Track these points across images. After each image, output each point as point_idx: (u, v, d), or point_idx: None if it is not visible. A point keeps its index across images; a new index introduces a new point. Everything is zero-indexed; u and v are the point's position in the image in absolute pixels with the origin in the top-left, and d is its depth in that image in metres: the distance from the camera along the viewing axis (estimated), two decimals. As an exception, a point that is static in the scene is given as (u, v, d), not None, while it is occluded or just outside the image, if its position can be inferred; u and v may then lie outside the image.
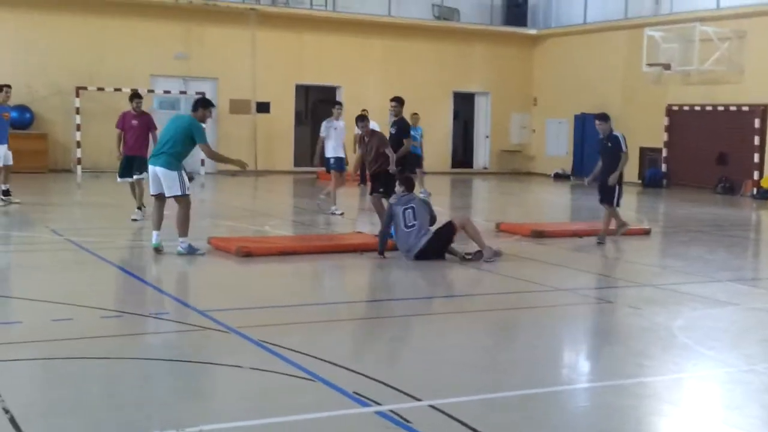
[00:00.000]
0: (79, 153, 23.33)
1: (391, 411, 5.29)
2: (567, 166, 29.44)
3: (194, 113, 10.97)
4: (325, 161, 16.97)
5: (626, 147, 13.33)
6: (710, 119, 24.92)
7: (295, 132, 28.30)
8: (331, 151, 16.77)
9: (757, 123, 23.55)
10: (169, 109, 25.14)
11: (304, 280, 10.37)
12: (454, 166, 30.69)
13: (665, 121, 26.18)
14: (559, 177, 29.20)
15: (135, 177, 14.14)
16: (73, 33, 24.62)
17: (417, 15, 29.18)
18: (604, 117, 13.65)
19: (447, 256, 11.22)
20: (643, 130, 25.86)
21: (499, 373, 6.49)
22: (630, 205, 17.89)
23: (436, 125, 27.73)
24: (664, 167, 26.29)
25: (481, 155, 31.54)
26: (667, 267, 11.90)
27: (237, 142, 26.19)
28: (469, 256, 11.13)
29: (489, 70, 30.52)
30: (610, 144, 13.33)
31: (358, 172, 19.56)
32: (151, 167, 10.95)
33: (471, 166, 31.45)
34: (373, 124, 14.24)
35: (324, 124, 17.09)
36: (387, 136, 14.03)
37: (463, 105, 31.27)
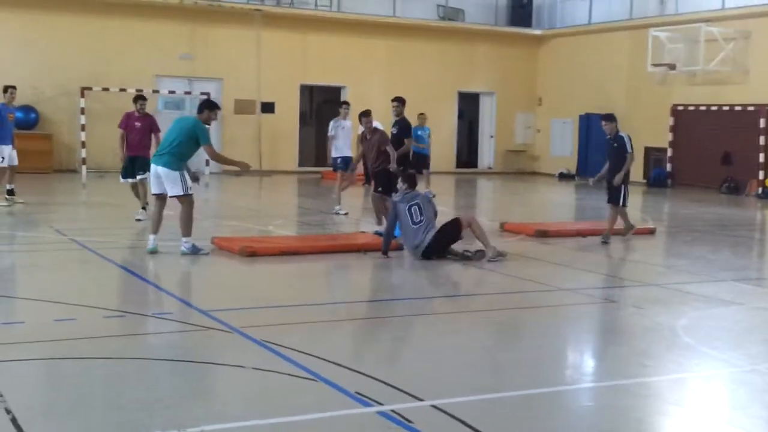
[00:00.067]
0: (83, 153, 23.36)
1: (393, 411, 5.28)
2: (572, 166, 29.42)
3: (199, 115, 11.01)
4: (332, 161, 16.98)
5: (632, 148, 13.32)
6: (715, 119, 24.88)
7: (300, 132, 28.32)
8: (338, 150, 16.79)
9: (762, 123, 23.52)
10: (174, 110, 25.19)
11: (308, 280, 10.35)
12: (458, 166, 30.70)
13: (670, 120, 26.14)
14: (563, 177, 29.18)
15: (138, 177, 14.16)
16: (79, 34, 24.67)
17: (421, 15, 29.18)
18: (610, 117, 13.64)
19: (448, 256, 11.21)
20: (648, 130, 25.82)
21: (502, 373, 6.49)
22: (635, 205, 17.86)
23: (440, 125, 27.70)
24: (669, 167, 26.25)
25: (486, 155, 31.53)
26: (671, 266, 11.88)
27: (242, 142, 26.26)
28: (469, 254, 11.12)
29: (494, 71, 30.51)
30: (616, 144, 13.33)
31: (363, 173, 19.57)
32: (153, 166, 10.97)
33: (476, 166, 31.45)
34: (377, 124, 14.25)
35: (331, 123, 17.13)
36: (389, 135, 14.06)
37: (468, 105, 31.27)
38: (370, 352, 7.18)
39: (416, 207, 11.16)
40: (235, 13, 26.48)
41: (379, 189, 13.23)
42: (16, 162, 16.12)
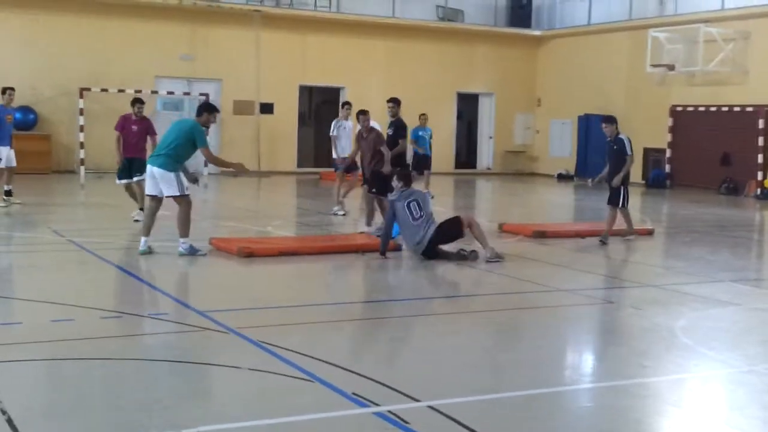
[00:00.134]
0: (82, 154, 23.34)
1: (390, 412, 5.27)
2: (571, 166, 29.41)
3: (198, 118, 11.01)
4: (333, 162, 16.99)
5: (631, 150, 13.35)
6: (714, 120, 24.88)
7: (299, 133, 28.31)
8: (342, 150, 16.80)
9: (761, 124, 23.52)
10: (173, 111, 25.21)
11: (305, 281, 10.34)
12: (457, 166, 30.70)
13: (669, 121, 26.14)
14: (562, 178, 29.17)
15: (135, 178, 14.16)
16: (78, 34, 24.67)
17: (420, 16, 29.18)
18: (609, 119, 13.67)
19: (443, 257, 11.21)
20: (647, 131, 25.82)
21: (500, 373, 6.48)
22: (634, 206, 17.78)
23: (439, 126, 27.66)
24: (667, 168, 26.25)
25: (485, 156, 31.53)
26: (670, 267, 11.87)
27: (241, 143, 26.26)
28: (465, 253, 11.12)
29: (493, 71, 30.51)
30: (616, 147, 13.35)
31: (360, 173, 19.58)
32: (149, 167, 10.98)
33: (474, 167, 31.44)
34: (375, 124, 14.28)
35: (333, 123, 17.15)
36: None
37: (467, 106, 31.27)
38: (367, 352, 7.18)
39: (415, 203, 11.17)
40: (234, 14, 26.47)
41: (374, 190, 13.27)
42: (14, 163, 16.12)
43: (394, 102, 14.42)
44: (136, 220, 13.84)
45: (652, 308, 8.68)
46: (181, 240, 10.89)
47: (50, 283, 9.43)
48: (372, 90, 27.34)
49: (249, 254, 10.87)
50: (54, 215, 15.58)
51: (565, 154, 29.96)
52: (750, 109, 23.85)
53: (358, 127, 14.13)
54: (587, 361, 7.18)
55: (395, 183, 11.57)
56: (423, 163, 20.06)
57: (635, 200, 20.33)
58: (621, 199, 13.28)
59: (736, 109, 24.20)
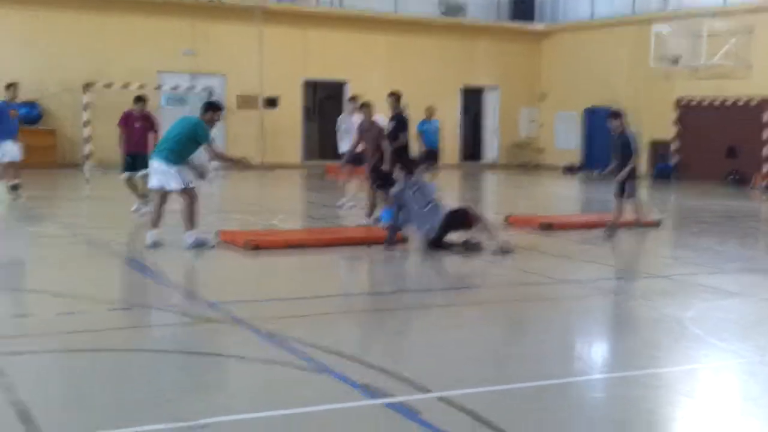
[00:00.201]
0: (87, 149, 23.29)
1: (400, 402, 5.23)
2: (576, 159, 29.36)
3: (203, 116, 11.00)
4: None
5: (637, 146, 13.25)
6: (719, 113, 24.84)
7: (304, 127, 28.29)
8: (346, 145, 16.76)
9: (765, 116, 23.53)
10: (177, 105, 25.20)
11: (312, 273, 10.30)
12: (463, 159, 30.66)
13: (674, 114, 26.09)
14: (568, 170, 29.12)
15: (139, 174, 14.18)
16: (82, 30, 24.70)
17: (424, 11, 29.11)
18: (614, 114, 13.53)
19: (449, 248, 11.18)
20: (652, 124, 25.80)
21: (509, 364, 6.43)
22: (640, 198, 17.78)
23: (444, 120, 27.61)
24: (673, 160, 26.20)
25: (490, 149, 31.49)
26: (678, 258, 11.83)
27: (245, 138, 26.28)
28: (471, 243, 11.08)
29: (497, 65, 30.48)
30: (621, 142, 13.28)
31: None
32: (152, 161, 11.02)
33: (480, 160, 31.40)
34: (380, 118, 14.21)
35: (340, 118, 17.15)
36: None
37: (473, 99, 31.22)
38: (375, 344, 7.13)
39: (420, 191, 11.20)
40: (236, 9, 26.46)
41: (376, 184, 13.24)
42: (18, 157, 16.10)
43: (393, 96, 14.38)
44: (142, 213, 13.83)
45: (660, 299, 8.63)
46: (188, 233, 10.88)
47: (57, 276, 9.41)
48: (375, 85, 27.21)
49: (255, 247, 10.84)
50: (60, 209, 15.59)
51: (570, 146, 29.93)
52: (754, 102, 23.81)
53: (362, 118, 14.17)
54: (597, 352, 7.13)
55: (397, 173, 11.57)
56: (431, 155, 19.96)
57: (642, 192, 20.25)
58: (628, 190, 13.21)
59: (741, 102, 24.14)
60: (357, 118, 16.99)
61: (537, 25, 30.79)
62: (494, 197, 22.70)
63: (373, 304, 8.73)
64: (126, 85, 23.23)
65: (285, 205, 17.94)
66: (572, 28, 29.98)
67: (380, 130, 13.66)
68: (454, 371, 6.08)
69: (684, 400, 5.65)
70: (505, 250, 10.92)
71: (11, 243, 12.10)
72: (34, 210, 14.98)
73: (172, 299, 8.47)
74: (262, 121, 26.94)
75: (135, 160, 14.28)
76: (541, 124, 31.27)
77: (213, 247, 10.96)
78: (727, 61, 24.15)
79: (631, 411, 5.38)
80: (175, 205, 11.28)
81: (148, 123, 14.58)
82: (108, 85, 23.71)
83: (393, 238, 11.20)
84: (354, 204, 15.78)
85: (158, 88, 24.73)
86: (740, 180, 23.87)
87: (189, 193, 10.89)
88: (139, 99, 14.80)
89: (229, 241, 11.28)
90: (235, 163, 12.58)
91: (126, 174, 14.46)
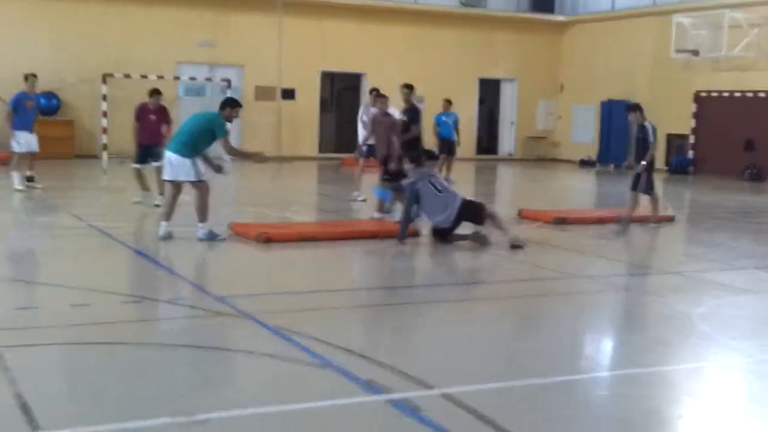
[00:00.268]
0: (104, 139, 23.41)
1: (404, 399, 5.25)
2: (593, 152, 29.22)
3: (222, 111, 11.09)
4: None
5: (655, 138, 13.25)
6: (738, 105, 24.64)
7: (321, 119, 28.30)
8: (364, 137, 16.77)
9: (786, 110, 23.30)
10: (195, 96, 25.28)
11: (323, 267, 10.34)
12: (479, 152, 30.58)
13: (693, 107, 25.93)
14: (584, 164, 29.01)
15: (154, 165, 14.25)
16: (101, 21, 24.79)
17: (443, 2, 29.04)
18: (633, 107, 13.53)
19: (456, 241, 11.19)
20: (670, 117, 25.60)
21: (516, 361, 6.43)
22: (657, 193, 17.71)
23: (461, 112, 27.47)
24: (691, 154, 26.05)
25: (507, 142, 31.40)
26: (691, 254, 11.78)
27: (262, 129, 26.34)
28: (480, 235, 11.08)
29: (515, 57, 30.35)
30: (640, 134, 13.28)
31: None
32: (166, 153, 11.12)
33: (496, 153, 31.31)
34: (395, 111, 14.20)
35: (361, 109, 17.18)
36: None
37: (489, 91, 31.11)
38: (382, 339, 7.13)
39: (434, 180, 11.31)
40: (256, 0, 26.46)
41: (387, 177, 13.24)
42: (36, 148, 16.24)
43: (407, 87, 14.40)
44: (156, 205, 13.89)
45: (671, 295, 8.61)
46: (200, 225, 10.95)
47: (70, 267, 9.48)
48: (392, 76, 27.19)
49: (267, 240, 10.87)
50: (75, 200, 15.66)
51: (587, 140, 29.78)
52: (775, 95, 23.63)
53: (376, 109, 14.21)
54: (604, 349, 7.12)
55: (407, 166, 11.61)
56: (446, 147, 19.93)
57: (658, 186, 20.15)
58: (644, 185, 13.18)
59: (761, 94, 23.96)
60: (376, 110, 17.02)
61: (557, 17, 30.64)
62: (509, 191, 22.62)
63: (384, 299, 8.74)
64: (144, 76, 23.32)
65: (299, 197, 17.97)
66: (593, 19, 29.81)
67: (392, 122, 13.66)
68: (459, 367, 6.09)
69: (690, 399, 5.65)
70: (516, 245, 10.91)
71: (26, 234, 12.21)
72: (50, 201, 15.08)
73: (183, 292, 8.52)
74: (280, 113, 26.97)
75: (149, 152, 14.39)
76: (559, 116, 31.12)
77: (224, 239, 11.01)
78: (749, 53, 23.97)
79: (634, 410, 5.37)
80: (187, 197, 11.33)
81: (163, 115, 14.68)
82: (126, 76, 23.81)
83: (405, 232, 11.21)
84: (365, 198, 15.78)
85: (176, 78, 24.84)
86: (757, 175, 23.69)
87: (202, 186, 10.96)
88: (155, 92, 14.89)
89: (242, 233, 11.32)
90: (251, 157, 12.73)
91: (137, 165, 14.55)
